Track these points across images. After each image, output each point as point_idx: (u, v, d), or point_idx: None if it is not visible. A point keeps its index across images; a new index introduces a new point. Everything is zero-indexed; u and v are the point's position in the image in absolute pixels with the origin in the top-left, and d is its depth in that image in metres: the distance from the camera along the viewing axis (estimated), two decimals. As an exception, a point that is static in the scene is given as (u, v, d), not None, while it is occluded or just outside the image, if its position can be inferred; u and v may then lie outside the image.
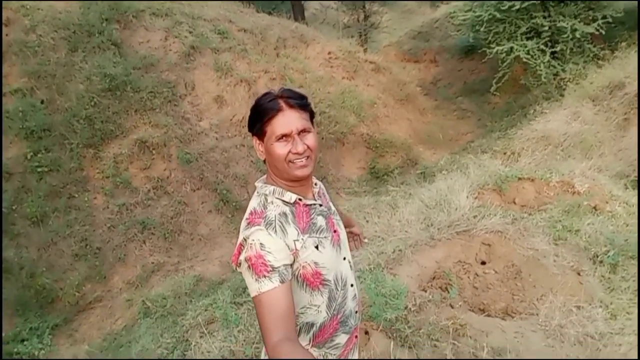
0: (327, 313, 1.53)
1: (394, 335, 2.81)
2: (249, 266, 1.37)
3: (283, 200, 1.48)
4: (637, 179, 5.48)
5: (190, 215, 7.24)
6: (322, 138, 8.67)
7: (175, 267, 6.61)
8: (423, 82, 13.38)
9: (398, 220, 4.47)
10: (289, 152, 1.44)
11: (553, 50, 9.33)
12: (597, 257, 3.61)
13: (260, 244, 1.36)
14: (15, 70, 7.17)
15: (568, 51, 9.16)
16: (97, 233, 6.65)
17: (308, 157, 1.47)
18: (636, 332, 2.93)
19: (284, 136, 1.44)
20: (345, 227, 1.83)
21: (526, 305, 3.25)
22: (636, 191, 4.91)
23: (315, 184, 1.64)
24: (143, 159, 7.29)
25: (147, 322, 5.16)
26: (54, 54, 7.44)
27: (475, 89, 12.39)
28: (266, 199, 1.48)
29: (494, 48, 9.53)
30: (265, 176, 1.58)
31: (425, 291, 3.36)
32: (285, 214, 1.45)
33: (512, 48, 9.37)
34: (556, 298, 3.22)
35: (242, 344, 3.15)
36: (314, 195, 1.58)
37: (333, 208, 1.68)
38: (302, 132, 1.47)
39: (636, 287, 3.34)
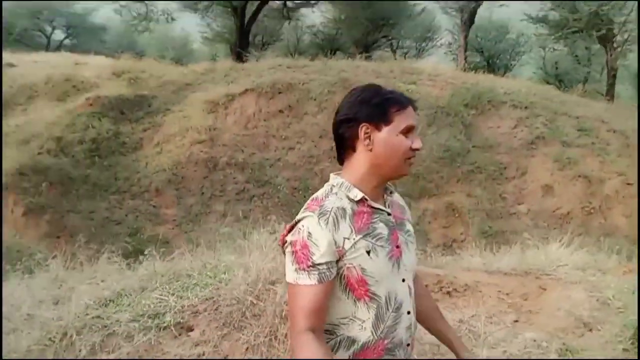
0: (372, 333, 1.37)
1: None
2: (292, 252, 1.33)
3: (348, 196, 1.38)
4: None
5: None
6: None
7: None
8: None
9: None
10: (410, 147, 1.38)
11: None
12: None
13: (309, 232, 1.31)
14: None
15: None
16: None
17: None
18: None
19: (409, 130, 1.38)
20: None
21: None
22: None
23: (391, 193, 1.51)
24: (446, 219, 8.11)
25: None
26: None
27: None
28: (331, 190, 1.40)
29: None
30: (343, 169, 1.48)
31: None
32: (344, 209, 1.36)
33: None
34: None
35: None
36: (385, 203, 1.47)
37: (408, 227, 1.51)
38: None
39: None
